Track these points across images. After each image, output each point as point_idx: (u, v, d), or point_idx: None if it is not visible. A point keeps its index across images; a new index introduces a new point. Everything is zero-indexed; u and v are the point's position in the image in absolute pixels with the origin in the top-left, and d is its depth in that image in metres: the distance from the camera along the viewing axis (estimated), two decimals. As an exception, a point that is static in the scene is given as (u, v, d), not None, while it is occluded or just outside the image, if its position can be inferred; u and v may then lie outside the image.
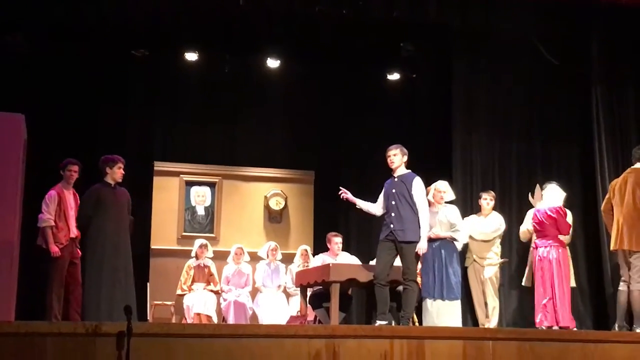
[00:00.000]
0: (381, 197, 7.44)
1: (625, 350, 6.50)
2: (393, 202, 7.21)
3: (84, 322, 5.73)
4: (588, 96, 9.83)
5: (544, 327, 8.22)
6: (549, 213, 8.49)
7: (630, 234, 7.71)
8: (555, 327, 8.21)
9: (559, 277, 8.34)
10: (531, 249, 8.98)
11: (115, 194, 7.44)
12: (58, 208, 8.04)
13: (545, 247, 8.44)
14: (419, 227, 7.15)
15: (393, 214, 7.18)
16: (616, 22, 9.53)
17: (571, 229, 8.73)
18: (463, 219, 8.98)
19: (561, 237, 8.50)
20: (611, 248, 8.06)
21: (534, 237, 8.72)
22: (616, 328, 7.79)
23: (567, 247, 8.65)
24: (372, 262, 8.78)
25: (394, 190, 7.25)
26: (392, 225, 7.16)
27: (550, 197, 8.65)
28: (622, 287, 7.91)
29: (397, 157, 7.32)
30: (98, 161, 7.68)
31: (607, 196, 8.17)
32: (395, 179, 7.32)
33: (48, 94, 9.88)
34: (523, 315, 9.68)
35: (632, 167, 8.02)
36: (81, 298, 7.53)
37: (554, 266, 8.36)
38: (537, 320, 8.37)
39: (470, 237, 9.12)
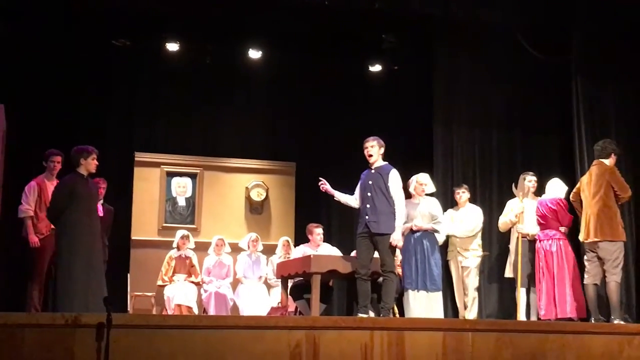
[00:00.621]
0: (358, 188, 7.45)
1: (603, 341, 6.56)
2: (369, 194, 7.21)
3: (63, 313, 5.68)
4: (568, 88, 9.87)
5: (551, 320, 8.31)
6: (549, 205, 8.62)
7: (595, 225, 7.83)
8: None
9: (560, 269, 8.45)
10: (514, 239, 9.01)
11: (88, 185, 7.34)
12: (39, 199, 7.98)
13: (548, 240, 8.56)
14: (394, 219, 7.16)
15: (368, 205, 7.19)
16: (597, 16, 9.57)
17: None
18: (443, 212, 9.05)
19: (562, 228, 8.60)
20: (580, 239, 8.16)
21: (527, 229, 8.83)
22: (592, 322, 7.87)
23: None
24: (353, 254, 8.82)
25: (370, 182, 7.26)
26: (366, 217, 7.16)
27: (552, 189, 8.80)
28: (587, 280, 7.98)
29: (374, 149, 7.31)
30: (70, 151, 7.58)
31: (577, 186, 8.27)
32: (372, 171, 7.32)
33: (28, 83, 9.78)
34: (503, 307, 9.73)
35: (595, 160, 8.15)
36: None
37: (555, 259, 8.47)
38: (542, 313, 8.46)
39: (452, 235, 9.17)
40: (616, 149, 8.17)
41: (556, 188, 8.81)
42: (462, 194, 9.39)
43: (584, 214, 8.02)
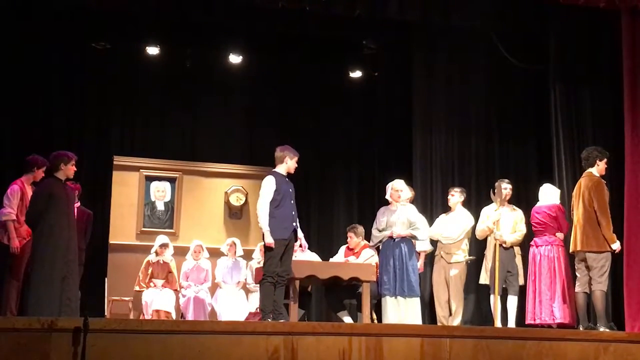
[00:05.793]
0: (271, 191, 7.36)
1: (579, 347, 6.61)
2: (292, 201, 7.39)
3: (39, 317, 5.65)
4: (546, 94, 9.93)
5: (553, 326, 8.36)
6: (548, 212, 8.64)
7: (582, 235, 7.91)
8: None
9: (560, 274, 8.51)
10: (490, 246, 9.02)
11: (66, 189, 7.40)
12: (20, 203, 7.93)
13: (547, 245, 8.60)
14: None
15: (293, 213, 7.37)
16: (574, 22, 9.65)
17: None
18: (434, 220, 9.07)
19: (559, 235, 8.64)
20: (570, 250, 8.21)
21: (504, 236, 8.85)
22: (581, 329, 7.93)
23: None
24: (332, 259, 8.84)
25: (290, 190, 7.44)
26: (294, 224, 7.33)
27: (546, 195, 8.82)
28: (577, 288, 8.05)
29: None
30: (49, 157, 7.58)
31: (571, 207, 8.32)
32: (287, 179, 7.52)
33: (4, 85, 9.71)
34: (481, 313, 9.75)
35: (584, 171, 8.20)
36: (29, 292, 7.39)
37: (555, 264, 8.53)
38: (538, 319, 8.50)
39: (438, 240, 9.18)
40: (600, 154, 8.14)
41: (550, 194, 8.82)
42: (451, 197, 9.33)
43: (574, 225, 8.10)
